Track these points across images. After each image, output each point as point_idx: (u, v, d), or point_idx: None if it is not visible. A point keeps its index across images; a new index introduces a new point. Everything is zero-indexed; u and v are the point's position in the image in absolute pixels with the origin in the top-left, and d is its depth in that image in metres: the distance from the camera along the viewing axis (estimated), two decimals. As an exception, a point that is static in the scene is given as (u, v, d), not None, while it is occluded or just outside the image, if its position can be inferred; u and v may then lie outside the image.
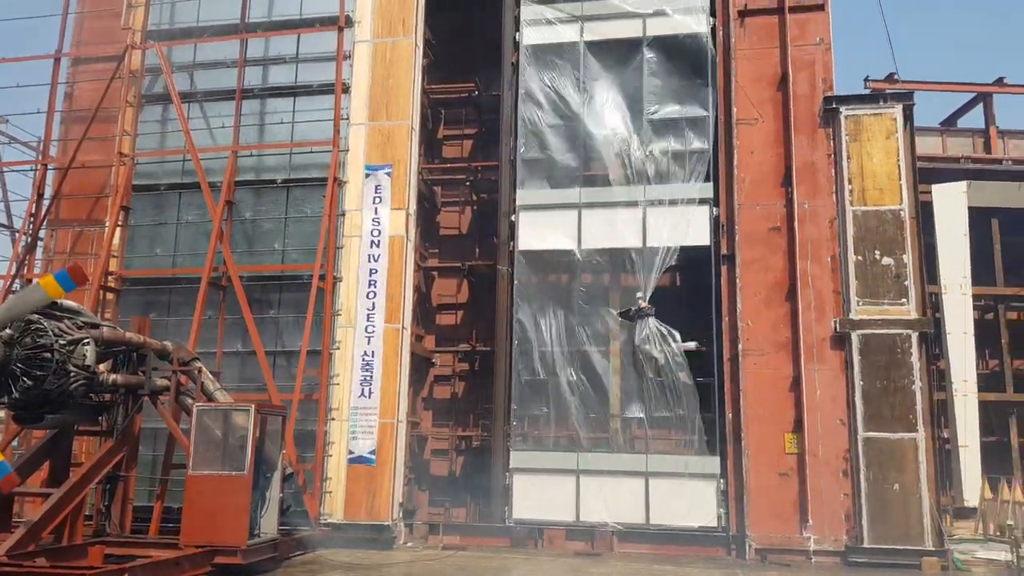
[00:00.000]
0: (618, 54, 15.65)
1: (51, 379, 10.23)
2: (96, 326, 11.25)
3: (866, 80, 17.45)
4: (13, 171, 19.78)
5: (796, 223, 14.03)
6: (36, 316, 10.39)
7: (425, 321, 17.37)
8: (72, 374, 10.47)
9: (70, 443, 12.14)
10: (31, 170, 19.49)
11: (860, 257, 13.82)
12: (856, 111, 14.43)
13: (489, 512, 14.90)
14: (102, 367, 11.41)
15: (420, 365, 16.52)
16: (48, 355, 10.23)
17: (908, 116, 14.26)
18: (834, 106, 14.43)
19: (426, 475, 16.85)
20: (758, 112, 14.76)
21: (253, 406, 11.09)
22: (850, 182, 14.11)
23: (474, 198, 18.09)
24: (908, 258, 13.60)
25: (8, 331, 10.18)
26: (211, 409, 11.41)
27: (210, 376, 12.59)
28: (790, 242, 14.07)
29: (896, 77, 17.51)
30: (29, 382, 10.14)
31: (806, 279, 13.89)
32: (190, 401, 12.25)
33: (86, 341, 10.74)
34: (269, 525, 11.46)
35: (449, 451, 17.12)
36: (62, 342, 10.40)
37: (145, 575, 9.32)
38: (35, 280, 9.72)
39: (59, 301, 10.86)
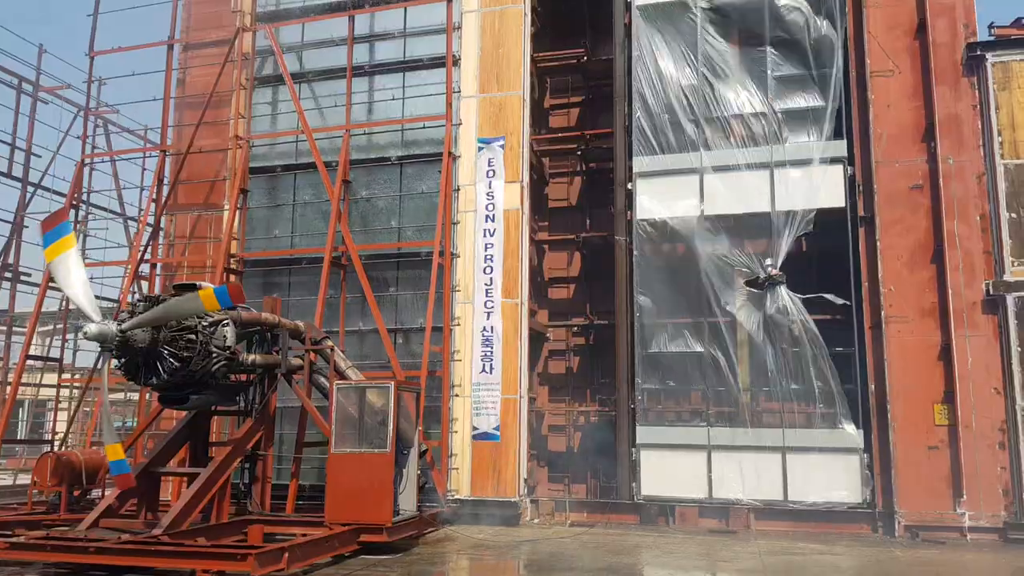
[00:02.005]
0: (738, 9, 14.82)
1: (196, 360, 10.35)
2: (232, 307, 11.34)
3: (990, 27, 16.13)
4: (123, 159, 20.44)
5: (940, 180, 13.06)
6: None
7: (537, 295, 17.05)
8: (215, 355, 10.58)
9: (208, 424, 12.36)
10: (140, 157, 20.12)
11: (1014, 214, 12.82)
12: (1004, 57, 13.35)
13: (612, 488, 14.60)
14: (239, 347, 11.53)
15: (535, 340, 16.25)
16: (192, 337, 10.35)
17: (1064, 59, 13.09)
18: (979, 53, 13.36)
19: (544, 451, 16.65)
20: (893, 63, 13.77)
21: (392, 383, 11.02)
22: (1000, 134, 13.07)
23: (583, 168, 17.60)
24: (1071, 213, 12.53)
25: None
26: (350, 387, 11.37)
27: (341, 355, 12.62)
28: (934, 200, 13.12)
29: (1024, 22, 16.10)
30: (176, 363, 10.26)
31: (953, 240, 12.95)
32: (323, 380, 12.31)
33: (226, 322, 10.83)
34: (408, 502, 11.40)
35: (566, 426, 16.85)
36: (204, 324, 10.50)
37: (304, 553, 9.33)
38: (197, 290, 10.13)
39: (197, 283, 11.00)
